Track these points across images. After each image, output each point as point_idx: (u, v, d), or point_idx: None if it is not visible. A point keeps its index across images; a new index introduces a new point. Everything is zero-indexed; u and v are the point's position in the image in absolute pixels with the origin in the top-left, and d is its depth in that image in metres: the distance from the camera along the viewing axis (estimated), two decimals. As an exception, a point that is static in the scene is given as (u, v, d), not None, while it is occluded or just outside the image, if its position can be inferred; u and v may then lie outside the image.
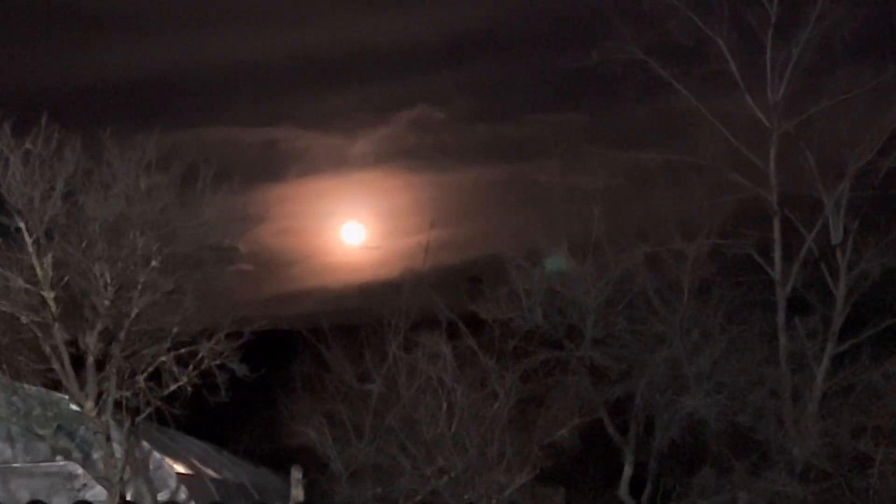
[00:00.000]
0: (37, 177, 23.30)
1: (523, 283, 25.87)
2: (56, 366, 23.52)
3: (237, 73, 46.57)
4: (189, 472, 26.53)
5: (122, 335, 23.41)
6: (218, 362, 23.87)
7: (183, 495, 25.01)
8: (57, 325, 23.33)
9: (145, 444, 24.72)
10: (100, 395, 23.49)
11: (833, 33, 26.15)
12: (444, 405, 24.00)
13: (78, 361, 23.54)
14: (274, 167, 37.55)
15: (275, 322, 26.89)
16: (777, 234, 26.20)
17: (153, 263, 23.44)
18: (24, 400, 24.00)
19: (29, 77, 43.37)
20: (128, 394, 23.54)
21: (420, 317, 25.64)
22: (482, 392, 24.16)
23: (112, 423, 23.53)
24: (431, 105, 42.30)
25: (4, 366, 23.77)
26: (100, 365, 23.51)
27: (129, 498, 23.11)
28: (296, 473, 24.81)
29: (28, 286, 23.20)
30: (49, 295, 23.21)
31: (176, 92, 45.33)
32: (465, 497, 22.15)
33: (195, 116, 44.47)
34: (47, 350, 23.47)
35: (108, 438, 23.50)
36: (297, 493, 24.29)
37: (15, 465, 24.87)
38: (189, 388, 23.82)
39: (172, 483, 25.43)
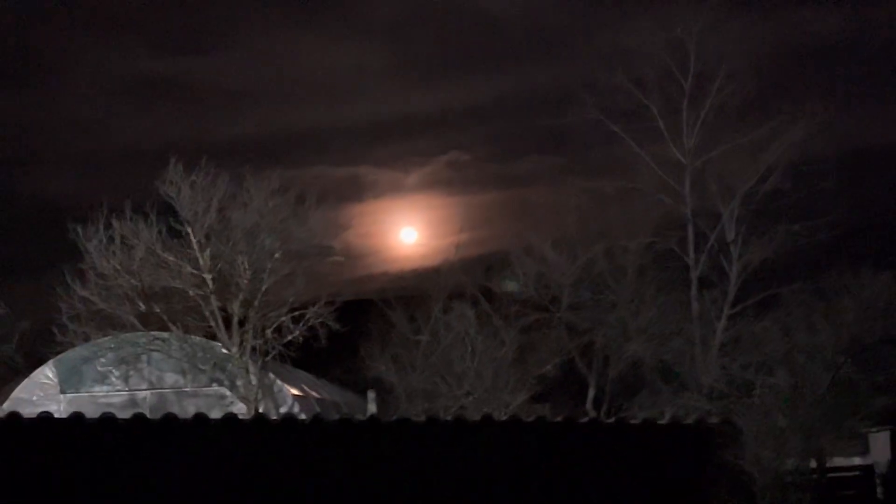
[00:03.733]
0: (199, 198, 23.57)
1: (520, 268, 25.90)
2: (212, 323, 23.83)
3: (331, 131, 46.86)
4: (300, 393, 26.55)
5: (256, 303, 23.68)
6: (319, 321, 24.04)
7: (296, 409, 25.04)
8: (213, 296, 23.63)
9: (271, 375, 24.85)
10: (241, 343, 23.74)
11: (729, 99, 26.13)
12: (469, 349, 23.89)
13: (227, 321, 23.85)
14: (356, 192, 37.51)
15: (357, 294, 26.90)
16: (690, 235, 26.15)
17: (276, 256, 23.72)
18: (192, 346, 24.21)
19: (191, 133, 43.60)
20: (260, 342, 23.78)
21: (452, 290, 25.59)
22: (494, 341, 24.03)
23: (249, 361, 23.72)
24: (460, 151, 42.23)
25: (178, 324, 23.93)
26: (241, 323, 23.78)
27: (260, 410, 23.19)
28: (371, 395, 24.80)
29: (194, 271, 23.48)
30: (208, 277, 23.51)
31: (290, 143, 45.57)
32: (484, 410, 21.94)
33: (304, 159, 44.74)
34: (206, 313, 23.74)
35: (247, 371, 23.75)
36: (372, 408, 24.32)
37: (185, 389, 24.96)
38: (300, 339, 24.03)
39: (289, 401, 25.48)
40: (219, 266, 23.50)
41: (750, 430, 17.91)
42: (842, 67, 35.90)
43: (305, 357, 25.00)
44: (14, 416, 15.55)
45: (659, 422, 18.96)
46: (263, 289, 23.51)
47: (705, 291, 25.66)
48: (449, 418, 19.78)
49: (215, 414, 18.19)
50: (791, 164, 25.77)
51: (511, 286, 26.10)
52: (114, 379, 25.11)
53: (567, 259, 25.68)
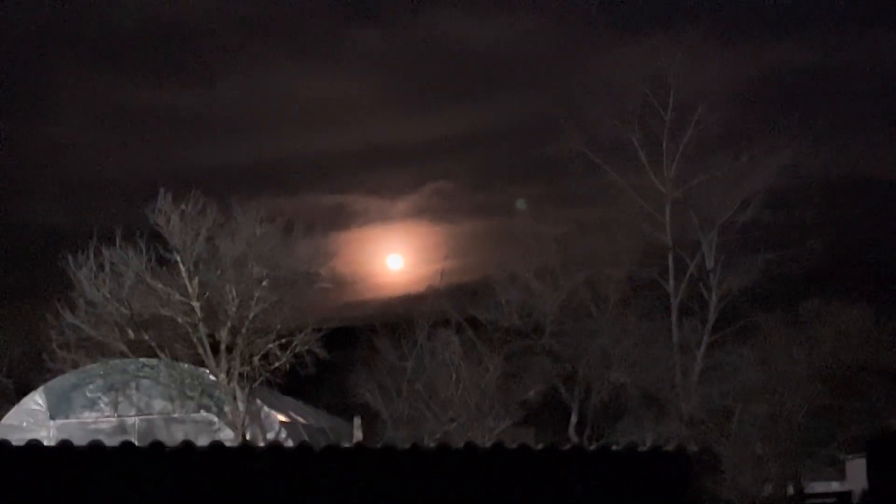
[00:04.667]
0: (188, 227, 23.59)
1: (503, 296, 25.88)
2: (200, 350, 23.81)
3: (318, 161, 46.97)
4: (287, 419, 26.49)
5: (243, 330, 23.70)
6: (307, 348, 24.08)
7: (283, 435, 25.01)
8: (201, 324, 23.59)
9: (258, 401, 24.82)
10: (229, 369, 23.72)
11: (708, 131, 26.22)
12: (454, 376, 23.89)
13: (214, 348, 23.81)
14: (343, 220, 37.47)
15: (344, 321, 26.85)
16: (671, 263, 26.13)
17: (263, 283, 23.70)
18: (180, 373, 24.20)
19: (180, 163, 43.65)
20: (247, 368, 23.80)
21: (438, 317, 25.56)
22: (479, 367, 24.01)
23: (237, 388, 23.68)
24: (446, 180, 42.30)
25: (167, 351, 23.90)
26: (229, 349, 23.77)
27: (247, 437, 23.16)
28: (357, 421, 24.77)
29: (182, 298, 23.46)
30: (196, 304, 23.50)
31: (278, 172, 45.63)
32: (468, 436, 21.96)
33: (293, 187, 44.77)
34: (195, 340, 23.74)
35: (235, 398, 23.70)
36: (358, 434, 24.28)
37: (174, 415, 24.86)
38: (287, 365, 24.05)
39: (276, 427, 25.47)
40: (207, 294, 23.51)
41: (728, 457, 17.96)
42: (820, 99, 36.26)
43: (292, 383, 25.06)
44: (3, 444, 15.53)
45: (640, 449, 19.04)
46: (251, 316, 23.51)
47: (685, 319, 25.63)
48: (433, 445, 19.79)
49: (203, 440, 18.20)
50: (770, 195, 25.88)
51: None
52: (102, 405, 25.10)
53: (550, 288, 25.68)
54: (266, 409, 25.23)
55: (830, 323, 23.25)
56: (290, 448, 17.94)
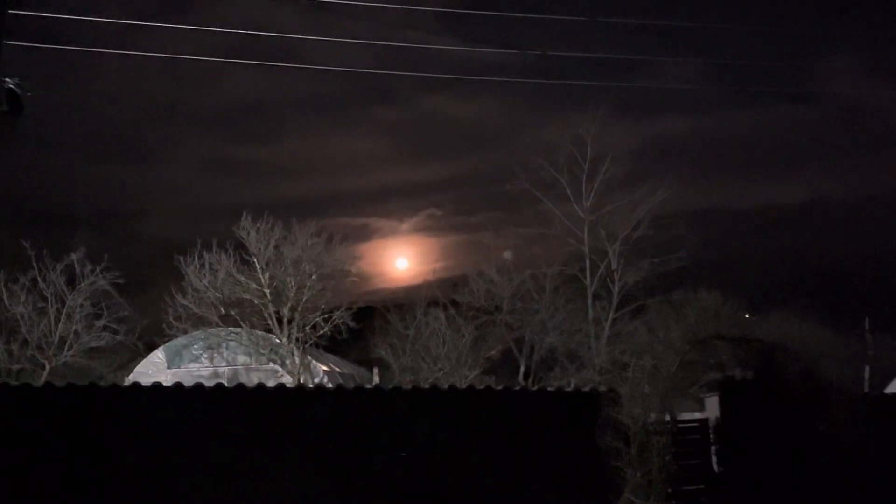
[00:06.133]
0: (262, 239, 23.46)
1: (475, 286, 25.74)
2: (270, 322, 23.60)
3: (350, 194, 47.15)
4: (328, 369, 26.37)
5: (299, 309, 23.34)
6: (342, 321, 23.84)
7: (325, 380, 24.87)
8: (270, 304, 23.42)
9: (308, 357, 24.51)
10: (289, 335, 23.49)
11: (614, 174, 26.31)
12: (442, 340, 23.62)
13: (279, 320, 23.56)
14: (366, 235, 37.54)
15: (367, 303, 26.76)
16: (587, 265, 26.15)
17: (313, 277, 23.53)
18: (256, 338, 23.92)
19: (257, 196, 43.73)
20: (301, 334, 23.46)
21: (431, 300, 25.25)
22: (458, 334, 23.76)
23: (294, 347, 23.50)
24: (436, 208, 42.51)
25: (247, 322, 23.71)
26: (289, 322, 23.48)
27: (301, 382, 23.01)
28: (375, 370, 24.62)
29: (257, 287, 23.32)
30: (267, 291, 23.32)
31: (323, 202, 45.78)
32: (451, 380, 21.85)
33: (333, 213, 44.98)
34: (266, 315, 23.54)
35: (293, 354, 23.48)
36: (376, 379, 24.13)
37: (251, 366, 24.62)
38: (329, 332, 23.77)
39: (321, 374, 25.28)
40: (275, 283, 23.32)
41: (626, 395, 17.96)
42: (689, 152, 36.40)
43: (332, 344, 24.75)
44: (136, 385, 15.57)
45: (566, 389, 19.09)
46: (304, 299, 23.31)
47: (597, 303, 25.70)
48: (427, 386, 19.81)
49: (271, 383, 18.22)
50: (655, 218, 25.97)
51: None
52: (203, 359, 24.94)
53: (506, 280, 25.53)
54: (314, 362, 24.97)
55: (694, 304, 23.38)
56: (330, 388, 17.99)
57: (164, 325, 23.48)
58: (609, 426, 17.12)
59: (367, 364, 25.84)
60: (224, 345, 24.53)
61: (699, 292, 23.97)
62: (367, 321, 25.03)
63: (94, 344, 21.62)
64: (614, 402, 17.54)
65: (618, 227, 25.96)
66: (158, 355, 24.98)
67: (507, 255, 26.07)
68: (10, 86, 12.37)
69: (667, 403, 18.41)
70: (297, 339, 23.34)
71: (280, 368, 23.80)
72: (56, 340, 21.38)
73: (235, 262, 23.25)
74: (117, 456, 14.24)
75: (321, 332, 23.51)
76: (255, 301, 23.26)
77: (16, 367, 20.99)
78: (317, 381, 24.21)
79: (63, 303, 21.77)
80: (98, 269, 21.88)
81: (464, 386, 20.38)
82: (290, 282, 23.17)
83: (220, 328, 23.79)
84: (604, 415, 17.19)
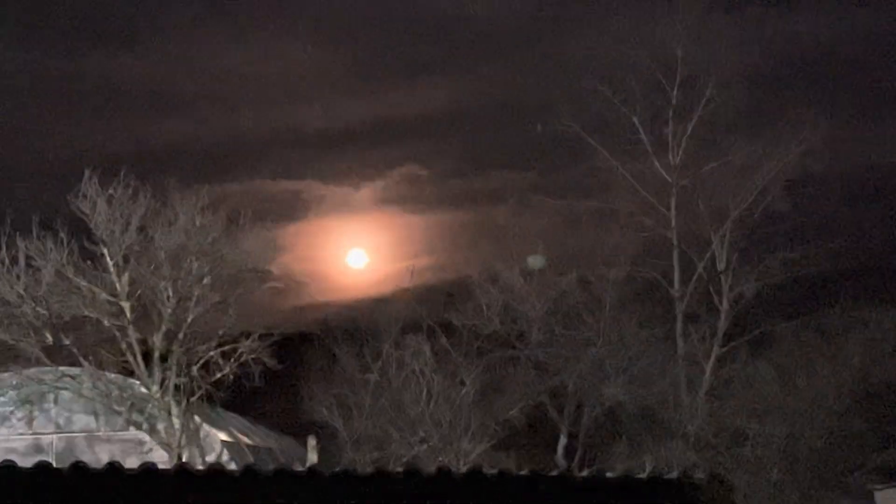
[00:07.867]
0: (117, 215, 23.44)
1: (484, 298, 25.86)
2: (130, 358, 23.65)
3: (271, 141, 46.63)
4: (230, 439, 26.39)
5: (180, 335, 23.52)
6: (253, 356, 23.97)
7: (225, 457, 24.89)
8: (131, 327, 23.47)
9: (196, 418, 24.63)
10: (163, 381, 23.56)
11: (718, 112, 26.32)
12: (425, 390, 23.87)
13: (146, 355, 23.65)
14: (298, 210, 37.33)
15: (297, 326, 26.88)
16: (676, 263, 26.35)
17: (205, 281, 23.59)
18: (106, 384, 23.96)
19: (109, 141, 43.17)
20: (184, 380, 23.60)
21: (407, 323, 25.46)
22: (453, 381, 24.01)
23: (172, 402, 23.53)
24: (417, 164, 42.11)
25: (91, 358, 23.72)
26: (163, 358, 23.61)
27: (184, 459, 22.97)
28: (311, 441, 24.65)
29: (109, 297, 23.34)
30: (125, 305, 23.36)
31: (225, 153, 45.28)
32: (439, 460, 21.94)
33: (239, 172, 44.29)
34: (123, 346, 23.60)
35: (169, 414, 23.53)
36: (312, 456, 24.16)
37: (97, 433, 24.73)
38: (231, 376, 23.93)
39: (217, 448, 25.33)
40: (138, 292, 23.29)
41: (742, 485, 17.92)
42: (843, 78, 36.34)
43: (237, 398, 24.90)
44: None
45: (639, 475, 18.87)
46: (189, 319, 23.31)
47: (692, 327, 25.81)
48: (400, 469, 19.69)
49: (132, 462, 17.97)
50: (789, 185, 26.11)
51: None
52: (15, 421, 24.77)
53: (536, 289, 25.67)
54: (205, 426, 25.02)
55: (859, 333, 23.37)
56: (233, 472, 17.73)
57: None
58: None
59: (299, 430, 25.98)
60: (52, 397, 24.55)
61: (867, 311, 24.04)
62: (297, 358, 25.30)
63: None
64: (721, 497, 17.48)
65: (729, 200, 26.04)
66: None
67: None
68: None
69: (811, 500, 18.49)
70: (176, 388, 23.37)
71: (148, 437, 23.90)
72: None
73: (71, 254, 23.17)
74: None
75: (219, 375, 23.64)
76: (106, 322, 23.25)
77: None
78: (211, 459, 24.04)
79: None
80: None
81: (463, 469, 20.29)
82: (166, 290, 23.20)
83: (45, 368, 23.71)
84: (705, 520, 17.09)
